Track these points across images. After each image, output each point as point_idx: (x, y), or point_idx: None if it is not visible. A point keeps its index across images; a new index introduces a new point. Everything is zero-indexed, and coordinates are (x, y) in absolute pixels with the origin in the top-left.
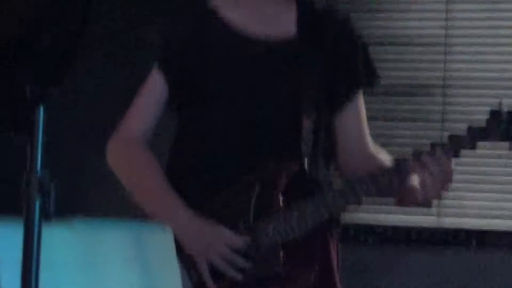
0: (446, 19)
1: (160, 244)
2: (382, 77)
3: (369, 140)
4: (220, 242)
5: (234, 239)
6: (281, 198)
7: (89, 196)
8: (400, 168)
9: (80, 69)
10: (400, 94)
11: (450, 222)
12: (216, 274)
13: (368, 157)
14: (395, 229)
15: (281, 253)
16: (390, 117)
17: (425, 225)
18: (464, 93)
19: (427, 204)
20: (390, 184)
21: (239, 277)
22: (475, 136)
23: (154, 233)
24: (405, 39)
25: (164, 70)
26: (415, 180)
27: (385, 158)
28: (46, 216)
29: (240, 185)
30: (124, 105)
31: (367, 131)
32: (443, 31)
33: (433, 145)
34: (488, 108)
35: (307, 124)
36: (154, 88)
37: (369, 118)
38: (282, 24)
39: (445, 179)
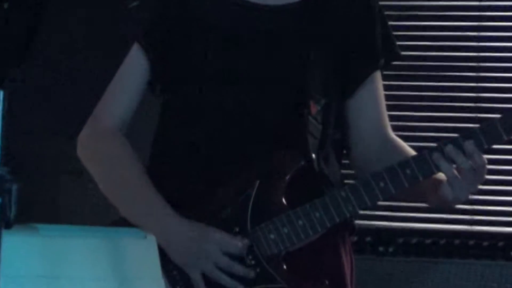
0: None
1: (142, 255)
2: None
3: (389, 129)
4: (213, 248)
5: (230, 242)
6: (284, 198)
7: (57, 197)
8: (424, 160)
9: (46, 48)
10: (424, 76)
11: (484, 229)
12: (214, 286)
13: (388, 149)
14: (421, 236)
15: (284, 264)
16: (412, 104)
17: (455, 232)
18: (499, 78)
19: (456, 203)
20: (411, 181)
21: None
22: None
23: (135, 242)
24: (431, 10)
25: (145, 45)
26: (441, 175)
27: (408, 150)
28: (6, 221)
29: (236, 183)
30: (99, 89)
31: (386, 118)
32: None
33: (462, 135)
34: None
35: (314, 110)
36: (133, 68)
37: (388, 106)
38: None
39: (476, 176)
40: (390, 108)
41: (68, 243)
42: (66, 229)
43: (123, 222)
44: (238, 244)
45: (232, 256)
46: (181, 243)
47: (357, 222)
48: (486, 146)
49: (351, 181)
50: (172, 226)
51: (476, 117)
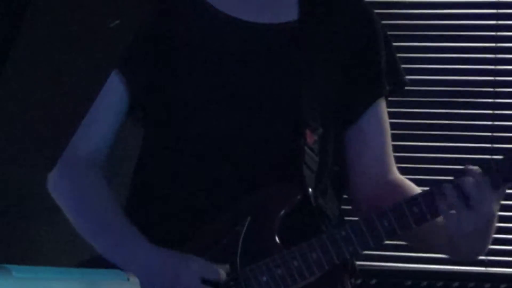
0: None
1: None
2: (409, 81)
3: (393, 165)
4: (189, 273)
5: (208, 269)
6: (277, 237)
7: (31, 236)
8: (432, 197)
9: (17, 68)
10: (433, 103)
11: (501, 271)
12: None
13: (392, 184)
14: (431, 279)
15: None
16: (419, 134)
17: (469, 274)
18: None
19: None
20: (417, 220)
21: None
22: None
23: (116, 285)
24: (442, 29)
25: (125, 71)
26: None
27: (414, 186)
28: None
29: (224, 219)
30: (75, 118)
31: (391, 152)
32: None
33: (467, 169)
34: None
35: (311, 140)
36: (111, 96)
37: (393, 135)
38: (280, 5)
39: (487, 220)
40: (394, 137)
41: (44, 286)
42: (42, 271)
43: (100, 261)
44: (216, 270)
45: (210, 284)
46: (157, 271)
47: (361, 263)
48: (500, 185)
49: (350, 218)
50: (149, 256)
51: (491, 147)
